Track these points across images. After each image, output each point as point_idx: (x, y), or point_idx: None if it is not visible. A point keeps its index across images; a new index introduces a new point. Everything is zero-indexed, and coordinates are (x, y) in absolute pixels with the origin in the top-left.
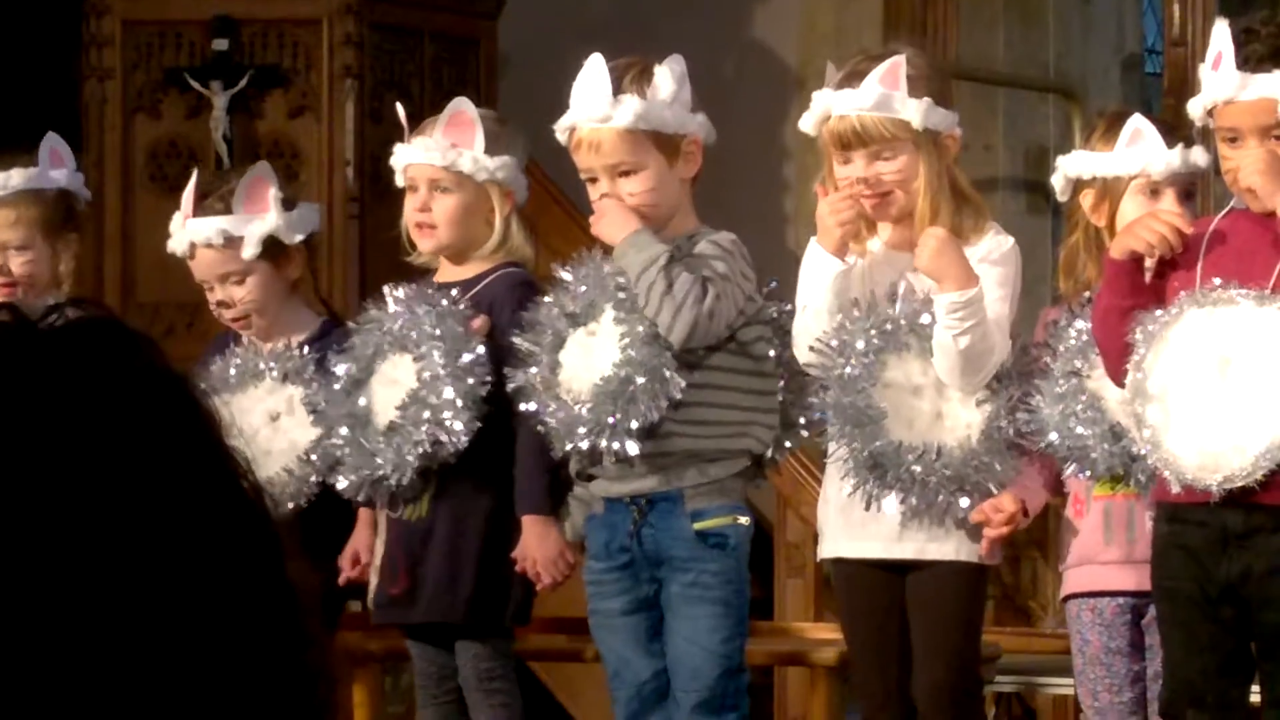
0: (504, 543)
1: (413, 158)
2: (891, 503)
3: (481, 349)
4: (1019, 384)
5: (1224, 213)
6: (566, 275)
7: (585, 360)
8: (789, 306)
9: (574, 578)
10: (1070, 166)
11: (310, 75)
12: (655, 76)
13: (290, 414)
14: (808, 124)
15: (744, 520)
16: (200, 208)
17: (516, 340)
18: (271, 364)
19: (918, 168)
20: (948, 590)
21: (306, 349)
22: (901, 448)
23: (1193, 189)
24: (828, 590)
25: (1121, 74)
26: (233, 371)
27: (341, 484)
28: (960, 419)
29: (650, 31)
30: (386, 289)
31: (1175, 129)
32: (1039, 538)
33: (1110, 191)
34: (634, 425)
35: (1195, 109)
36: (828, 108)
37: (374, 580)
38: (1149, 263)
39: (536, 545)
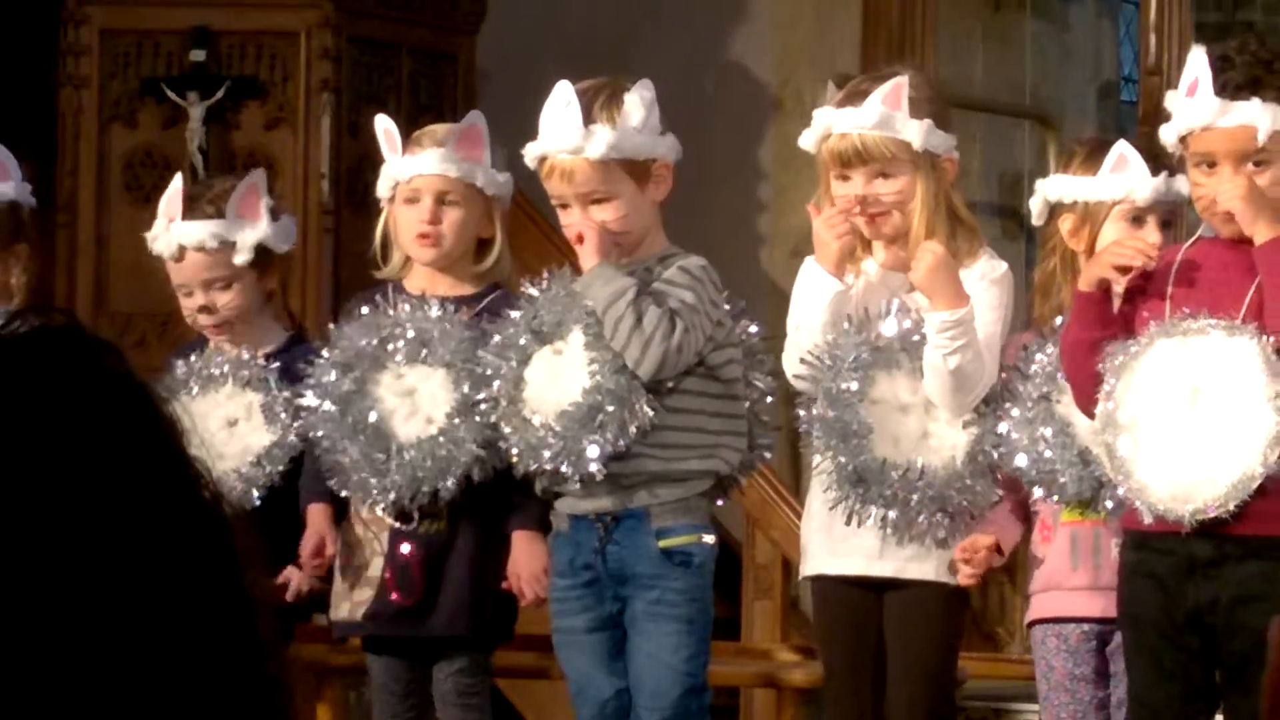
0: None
1: (424, 169)
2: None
3: None
4: (993, 407)
5: (1192, 241)
6: (534, 292)
7: (551, 380)
8: (755, 329)
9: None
10: (1050, 190)
11: (287, 87)
12: (625, 104)
13: (248, 420)
14: (808, 141)
15: (709, 539)
16: (190, 210)
17: (481, 353)
18: (233, 370)
19: (915, 189)
20: (926, 611)
21: (270, 359)
22: (886, 464)
23: (1172, 218)
24: (795, 612)
25: (1097, 101)
26: (195, 375)
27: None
28: (946, 439)
29: (628, 50)
30: (379, 296)
31: (1158, 156)
32: (1007, 564)
33: (1091, 217)
34: (602, 451)
35: (1169, 135)
36: (828, 125)
37: (365, 593)
38: (1118, 288)
39: (524, 560)
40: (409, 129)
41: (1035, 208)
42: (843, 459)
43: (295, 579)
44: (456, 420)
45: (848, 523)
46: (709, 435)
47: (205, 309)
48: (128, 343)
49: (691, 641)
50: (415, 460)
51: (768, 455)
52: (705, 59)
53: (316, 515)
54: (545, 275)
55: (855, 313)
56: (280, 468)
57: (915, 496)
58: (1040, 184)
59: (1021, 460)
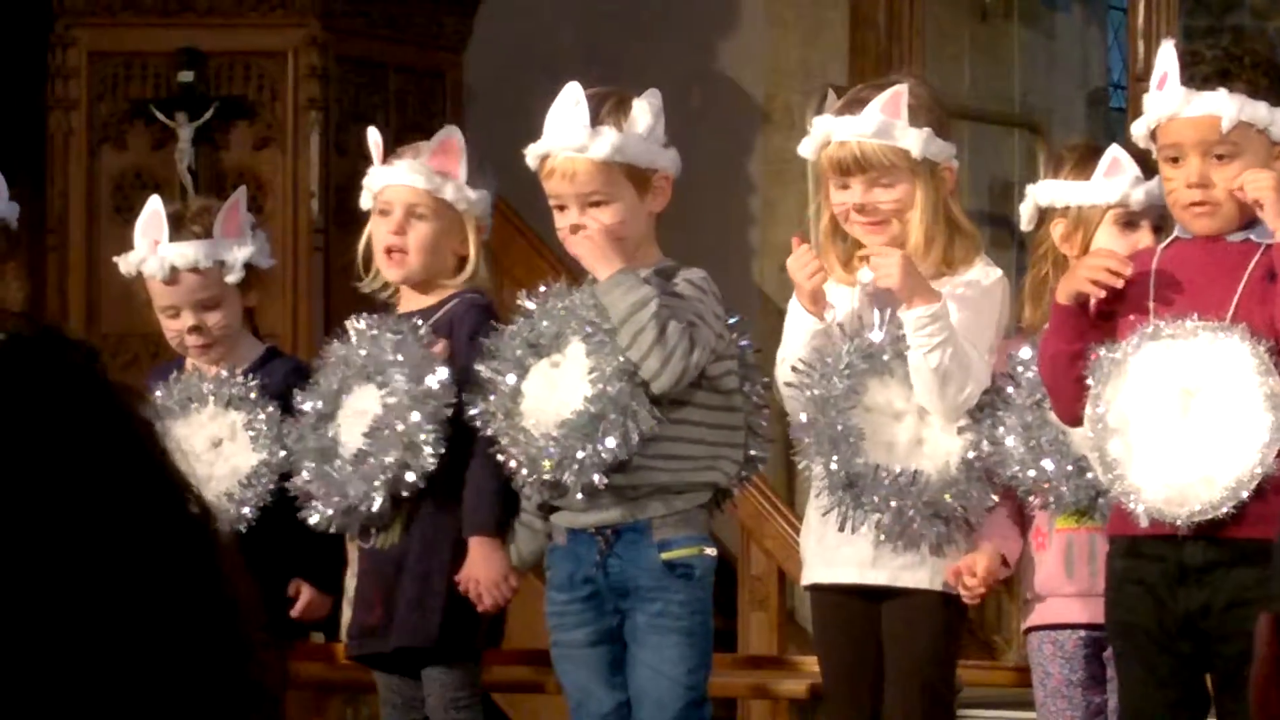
0: None
1: (395, 179)
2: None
3: (445, 373)
4: (988, 415)
5: (1167, 243)
6: (530, 305)
7: (549, 392)
8: (747, 341)
9: (536, 609)
10: (1041, 195)
11: (275, 107)
12: (633, 110)
13: (232, 439)
14: (807, 149)
15: (710, 551)
16: (177, 231)
17: (478, 367)
18: (214, 389)
19: (914, 197)
20: (922, 619)
21: (250, 376)
22: (878, 469)
23: (1163, 222)
24: (791, 624)
25: (1086, 108)
26: (175, 397)
27: (314, 518)
28: (941, 446)
29: (616, 65)
30: (349, 322)
31: (1149, 161)
32: None
33: (1084, 222)
34: (603, 461)
35: (1139, 129)
36: (828, 133)
37: (347, 613)
38: (1095, 301)
39: (481, 566)
40: (396, 147)
41: (1025, 213)
42: (833, 465)
43: (306, 593)
44: (381, 433)
45: (841, 528)
46: (709, 447)
47: (195, 329)
48: (119, 364)
49: (693, 654)
50: (347, 476)
51: (761, 466)
52: (693, 73)
53: None
54: (540, 289)
55: (850, 321)
56: (270, 485)
57: (909, 502)
58: (1031, 189)
59: (1017, 470)
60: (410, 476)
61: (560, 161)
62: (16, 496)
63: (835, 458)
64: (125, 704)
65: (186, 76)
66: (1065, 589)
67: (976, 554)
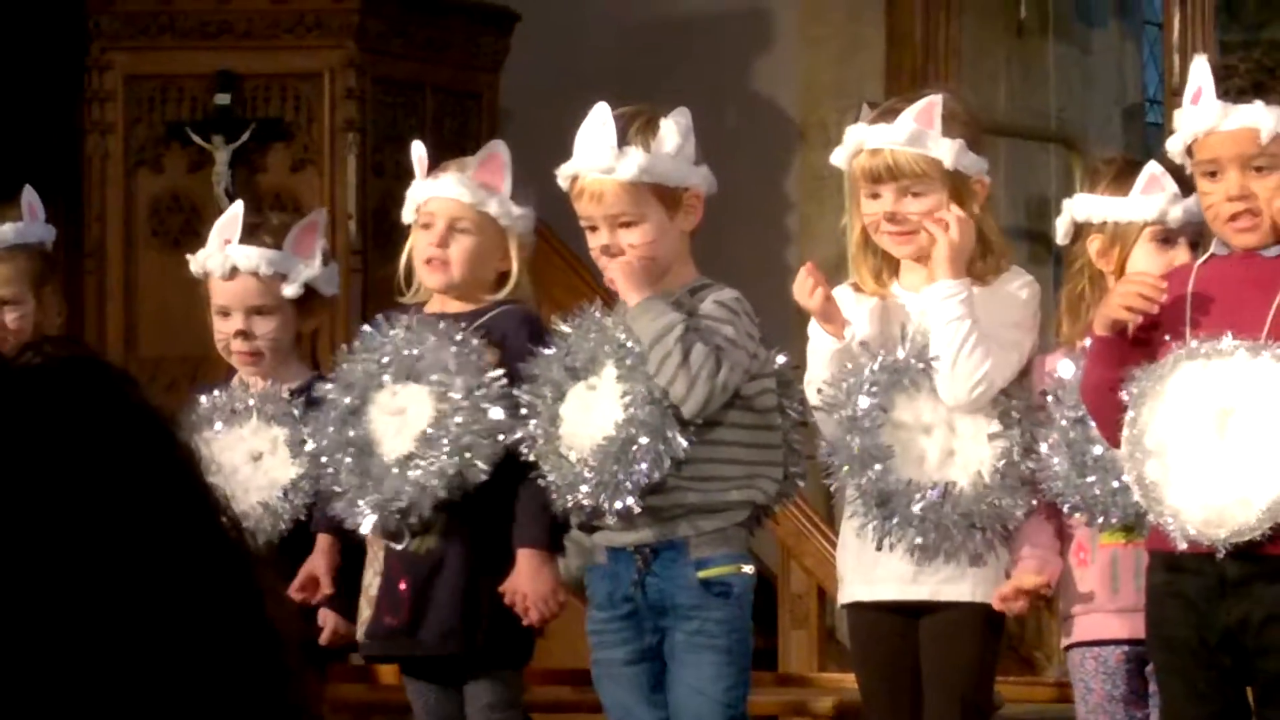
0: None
1: (439, 192)
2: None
3: (501, 381)
4: (1028, 427)
5: (1203, 259)
6: (567, 328)
7: (585, 415)
8: (785, 359)
9: (578, 629)
10: (1079, 210)
11: (312, 129)
12: (660, 129)
13: (273, 454)
14: (839, 158)
15: (748, 569)
16: (249, 237)
17: (517, 393)
18: (259, 405)
19: (945, 208)
20: (961, 634)
21: (294, 395)
22: (910, 485)
23: (1199, 239)
24: (832, 642)
25: (1123, 124)
26: (219, 410)
27: (360, 521)
28: (972, 456)
29: (652, 84)
30: (381, 316)
31: (1185, 177)
32: None
33: (1121, 237)
34: (636, 485)
35: (1175, 145)
36: (860, 142)
37: (366, 612)
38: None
39: (530, 579)
40: (433, 168)
41: (1061, 227)
42: (864, 482)
43: (331, 620)
44: (432, 437)
45: (878, 548)
46: (745, 466)
47: (242, 333)
48: (158, 387)
49: (732, 672)
50: (394, 480)
51: (801, 483)
52: (729, 91)
53: (321, 547)
54: (577, 311)
55: (875, 337)
56: (306, 501)
57: (945, 516)
58: (1067, 203)
59: (1062, 486)
60: (463, 483)
61: (588, 182)
62: (55, 522)
63: (866, 476)
64: None
65: (223, 99)
66: (1110, 604)
67: (1023, 575)
